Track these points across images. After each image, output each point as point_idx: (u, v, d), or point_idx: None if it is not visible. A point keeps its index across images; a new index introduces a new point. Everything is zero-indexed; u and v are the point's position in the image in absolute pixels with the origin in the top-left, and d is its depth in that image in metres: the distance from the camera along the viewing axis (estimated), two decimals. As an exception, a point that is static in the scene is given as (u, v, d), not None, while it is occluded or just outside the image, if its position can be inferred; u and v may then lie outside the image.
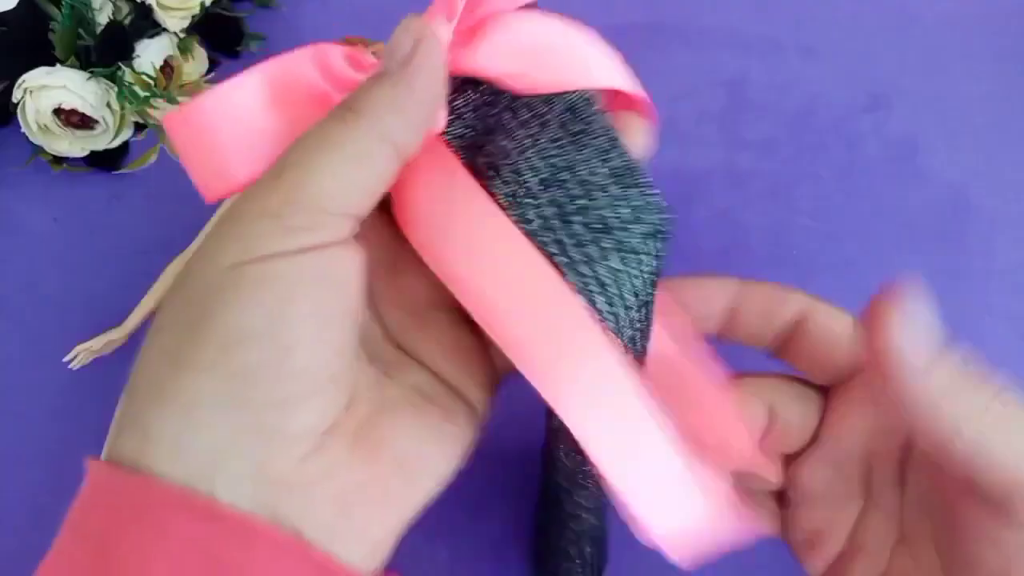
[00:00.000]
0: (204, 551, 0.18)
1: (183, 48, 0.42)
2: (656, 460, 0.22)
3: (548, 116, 0.24)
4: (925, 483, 0.24)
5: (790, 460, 0.26)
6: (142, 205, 0.42)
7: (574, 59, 0.25)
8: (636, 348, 0.23)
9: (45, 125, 0.40)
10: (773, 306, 0.26)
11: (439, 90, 0.22)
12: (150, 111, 0.41)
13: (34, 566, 0.20)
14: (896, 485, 0.25)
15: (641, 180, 0.23)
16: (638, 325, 0.23)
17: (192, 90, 0.42)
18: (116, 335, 0.38)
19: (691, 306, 0.26)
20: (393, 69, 0.22)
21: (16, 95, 0.39)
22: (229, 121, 0.23)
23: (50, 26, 0.39)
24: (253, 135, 0.23)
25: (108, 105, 0.40)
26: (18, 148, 0.41)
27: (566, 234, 0.22)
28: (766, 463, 0.26)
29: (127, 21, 0.41)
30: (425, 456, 0.22)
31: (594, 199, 0.22)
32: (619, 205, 0.23)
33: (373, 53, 0.25)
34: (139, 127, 0.42)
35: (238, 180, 0.23)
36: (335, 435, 0.21)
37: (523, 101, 0.24)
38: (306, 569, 0.19)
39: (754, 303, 0.26)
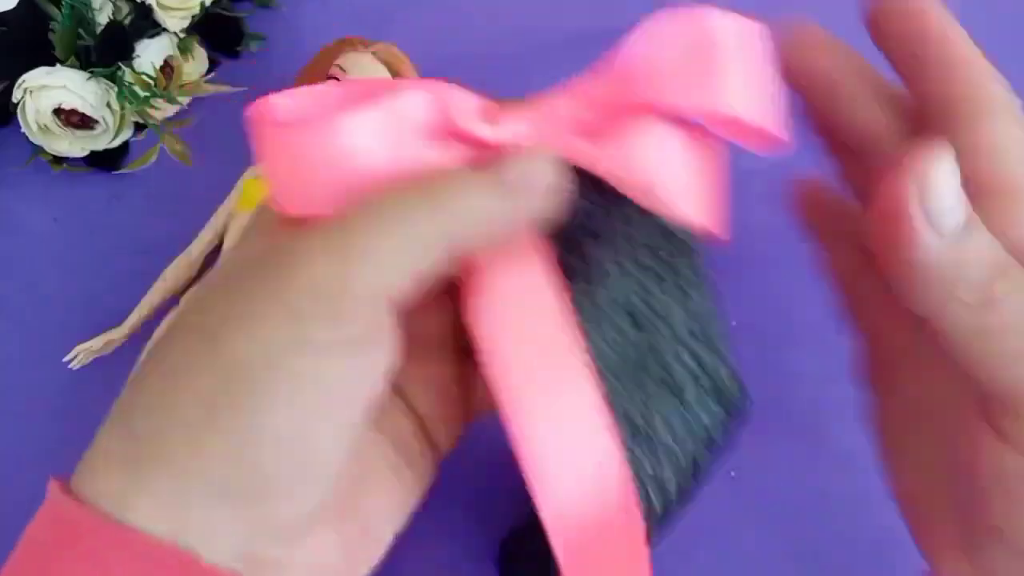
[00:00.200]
0: None
1: (183, 48, 0.42)
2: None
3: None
4: None
5: None
6: (142, 205, 0.42)
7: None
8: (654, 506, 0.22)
9: (45, 125, 0.40)
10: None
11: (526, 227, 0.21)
12: (150, 111, 0.41)
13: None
14: None
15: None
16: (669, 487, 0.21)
17: (192, 90, 0.42)
18: (116, 335, 0.38)
19: None
20: (514, 185, 0.20)
21: (16, 95, 0.39)
22: (328, 149, 0.21)
23: (50, 26, 0.39)
24: (352, 171, 0.21)
25: (108, 105, 0.40)
26: (18, 148, 0.41)
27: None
28: None
29: (127, 21, 0.41)
30: (391, 520, 0.23)
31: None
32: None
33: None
34: (139, 127, 0.42)
35: (318, 204, 0.21)
36: (319, 516, 0.20)
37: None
38: None
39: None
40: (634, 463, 0.21)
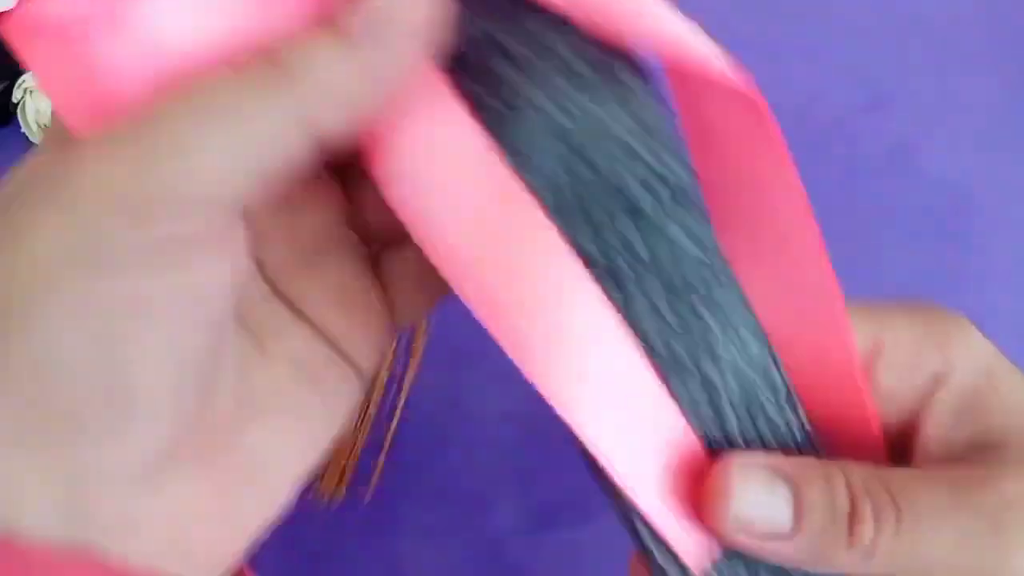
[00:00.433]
0: None
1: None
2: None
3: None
4: None
5: None
6: (142, 205, 0.42)
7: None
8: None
9: (45, 125, 0.40)
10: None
11: (403, 80, 0.17)
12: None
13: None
14: None
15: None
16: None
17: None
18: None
19: None
20: (361, 36, 0.16)
21: (16, 95, 0.39)
22: (127, 45, 0.17)
23: (50, 26, 0.39)
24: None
25: (108, 105, 0.40)
26: (18, 148, 0.41)
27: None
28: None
29: (127, 21, 0.41)
30: (288, 462, 0.19)
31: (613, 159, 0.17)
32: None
33: None
34: (139, 127, 0.42)
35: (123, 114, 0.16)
36: (177, 456, 0.17)
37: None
38: None
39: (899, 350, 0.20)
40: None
